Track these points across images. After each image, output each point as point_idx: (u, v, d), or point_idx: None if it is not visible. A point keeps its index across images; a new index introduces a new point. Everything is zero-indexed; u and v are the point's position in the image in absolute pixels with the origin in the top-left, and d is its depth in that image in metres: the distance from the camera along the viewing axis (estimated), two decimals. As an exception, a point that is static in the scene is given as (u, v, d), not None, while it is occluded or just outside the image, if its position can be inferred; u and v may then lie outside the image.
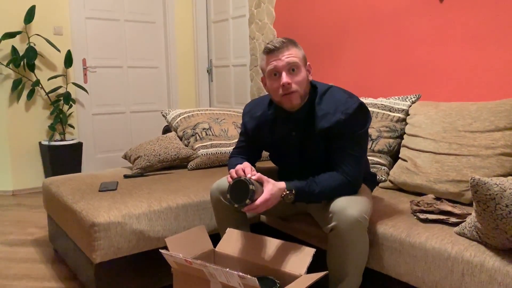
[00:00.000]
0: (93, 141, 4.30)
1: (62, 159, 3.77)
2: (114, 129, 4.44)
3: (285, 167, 1.79)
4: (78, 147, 3.89)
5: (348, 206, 1.45)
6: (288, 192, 1.51)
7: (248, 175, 1.47)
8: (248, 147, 1.81)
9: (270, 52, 1.55)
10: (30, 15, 3.68)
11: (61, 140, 3.87)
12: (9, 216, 3.19)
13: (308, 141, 1.63)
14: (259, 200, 1.44)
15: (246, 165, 1.53)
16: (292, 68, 1.54)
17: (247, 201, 1.42)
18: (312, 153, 1.64)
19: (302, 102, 1.59)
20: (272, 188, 1.47)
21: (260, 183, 1.49)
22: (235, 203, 1.44)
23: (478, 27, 2.23)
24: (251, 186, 1.41)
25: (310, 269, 1.46)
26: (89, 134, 4.25)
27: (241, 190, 1.43)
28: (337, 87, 1.63)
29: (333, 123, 1.54)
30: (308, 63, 1.61)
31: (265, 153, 2.55)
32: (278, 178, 1.62)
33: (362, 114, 1.55)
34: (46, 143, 3.76)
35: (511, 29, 2.11)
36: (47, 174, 3.85)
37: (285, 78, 1.52)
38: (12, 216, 3.20)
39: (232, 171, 1.52)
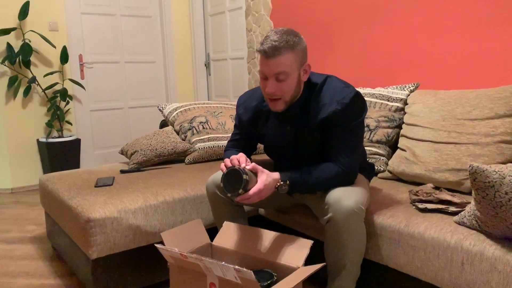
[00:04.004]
0: (91, 138, 4.28)
1: (60, 156, 3.75)
2: (112, 125, 4.42)
3: (279, 160, 1.77)
4: (76, 143, 3.88)
5: (344, 197, 1.43)
6: (282, 182, 1.49)
7: (243, 165, 1.45)
8: (242, 140, 1.78)
9: (261, 53, 1.47)
10: (24, 11, 3.64)
11: (59, 137, 3.85)
12: (7, 214, 3.18)
13: (303, 136, 1.60)
14: (252, 190, 1.42)
15: (240, 155, 1.51)
16: (279, 77, 1.48)
17: (240, 190, 1.40)
18: (307, 147, 1.62)
19: (292, 102, 1.55)
20: (266, 178, 1.45)
21: (255, 173, 1.47)
22: (228, 193, 1.42)
23: (476, 14, 2.20)
24: (244, 176, 1.39)
25: (309, 261, 1.45)
26: (87, 130, 4.23)
27: (235, 179, 1.41)
28: (334, 77, 1.60)
29: (329, 113, 1.51)
30: (306, 63, 1.52)
31: (260, 146, 2.53)
32: (273, 171, 1.60)
33: (358, 103, 1.53)
34: (44, 140, 3.74)
35: (509, 15, 2.07)
36: (46, 171, 3.83)
37: (270, 86, 1.48)
38: (10, 213, 3.19)
39: (227, 160, 1.50)
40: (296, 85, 1.51)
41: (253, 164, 1.47)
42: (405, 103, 2.20)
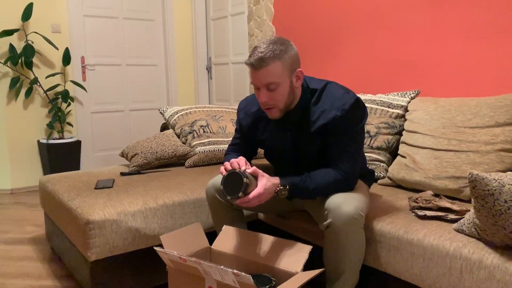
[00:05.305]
0: (92, 140, 4.28)
1: (60, 157, 3.76)
2: (113, 127, 4.42)
3: (279, 166, 1.77)
4: (76, 145, 3.88)
5: (344, 203, 1.43)
6: (282, 187, 1.50)
7: (243, 168, 1.46)
8: (243, 144, 1.79)
9: (249, 66, 1.49)
10: (27, 13, 3.66)
11: (60, 139, 3.85)
12: (7, 215, 3.18)
13: (303, 141, 1.60)
14: (252, 194, 1.42)
15: (240, 159, 1.51)
16: (270, 87, 1.48)
17: (240, 194, 1.40)
18: (307, 153, 1.62)
19: (288, 108, 1.56)
20: (266, 182, 1.46)
21: (255, 177, 1.47)
22: (228, 195, 1.43)
23: (477, 22, 2.21)
24: (245, 179, 1.40)
25: (307, 266, 1.45)
26: (88, 132, 4.23)
27: (235, 182, 1.42)
28: (334, 83, 1.60)
29: (329, 119, 1.52)
30: (298, 69, 1.51)
31: (261, 151, 2.53)
32: (273, 176, 1.60)
33: (358, 109, 1.53)
34: (44, 141, 3.74)
35: (510, 23, 2.08)
36: (46, 172, 3.83)
37: (262, 96, 1.50)
38: (10, 214, 3.19)
39: (227, 163, 1.50)
40: (289, 92, 1.52)
41: (254, 167, 1.48)
42: (406, 110, 2.21)
